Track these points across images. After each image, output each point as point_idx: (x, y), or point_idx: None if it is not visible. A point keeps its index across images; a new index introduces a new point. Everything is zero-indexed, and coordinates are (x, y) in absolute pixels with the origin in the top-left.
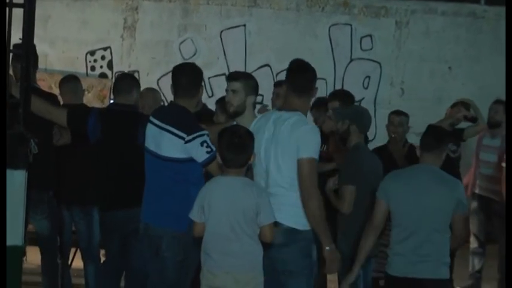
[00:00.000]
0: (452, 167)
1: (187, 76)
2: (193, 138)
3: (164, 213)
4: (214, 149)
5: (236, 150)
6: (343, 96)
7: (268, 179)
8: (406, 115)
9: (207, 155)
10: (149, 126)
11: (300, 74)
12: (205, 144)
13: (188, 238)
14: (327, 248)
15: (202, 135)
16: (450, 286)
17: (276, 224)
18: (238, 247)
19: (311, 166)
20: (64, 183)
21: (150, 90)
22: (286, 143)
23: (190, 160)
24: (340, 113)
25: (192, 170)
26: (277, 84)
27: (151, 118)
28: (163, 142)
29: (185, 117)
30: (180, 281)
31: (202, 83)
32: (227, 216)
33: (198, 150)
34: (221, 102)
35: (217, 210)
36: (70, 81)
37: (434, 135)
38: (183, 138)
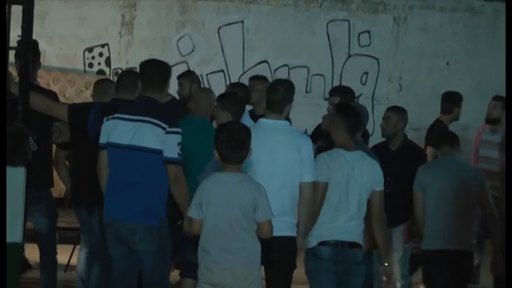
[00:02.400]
0: None
1: (157, 71)
2: (173, 132)
3: (135, 208)
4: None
5: (235, 147)
6: (343, 92)
7: (349, 211)
8: (399, 110)
9: (178, 156)
10: (116, 122)
11: (355, 118)
12: (179, 146)
13: (160, 228)
14: (386, 264)
15: (180, 133)
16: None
17: (360, 245)
18: (236, 243)
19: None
20: (82, 184)
21: (203, 90)
22: (366, 180)
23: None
24: None
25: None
26: None
27: (118, 114)
28: (144, 133)
29: (162, 110)
30: (159, 271)
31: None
32: (225, 213)
33: (171, 145)
34: (222, 99)
35: (215, 207)
36: (103, 82)
37: (453, 134)
38: (164, 128)
